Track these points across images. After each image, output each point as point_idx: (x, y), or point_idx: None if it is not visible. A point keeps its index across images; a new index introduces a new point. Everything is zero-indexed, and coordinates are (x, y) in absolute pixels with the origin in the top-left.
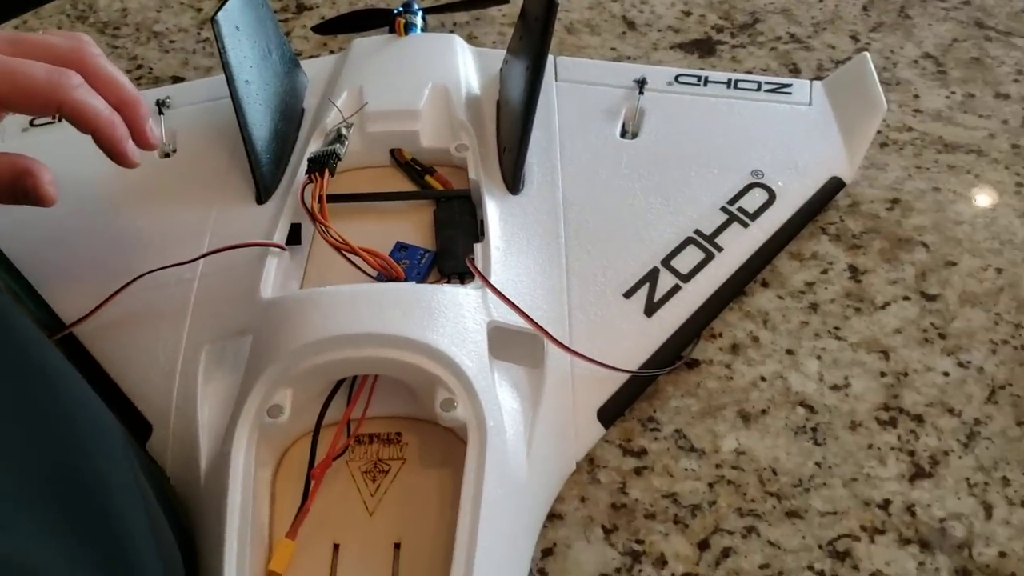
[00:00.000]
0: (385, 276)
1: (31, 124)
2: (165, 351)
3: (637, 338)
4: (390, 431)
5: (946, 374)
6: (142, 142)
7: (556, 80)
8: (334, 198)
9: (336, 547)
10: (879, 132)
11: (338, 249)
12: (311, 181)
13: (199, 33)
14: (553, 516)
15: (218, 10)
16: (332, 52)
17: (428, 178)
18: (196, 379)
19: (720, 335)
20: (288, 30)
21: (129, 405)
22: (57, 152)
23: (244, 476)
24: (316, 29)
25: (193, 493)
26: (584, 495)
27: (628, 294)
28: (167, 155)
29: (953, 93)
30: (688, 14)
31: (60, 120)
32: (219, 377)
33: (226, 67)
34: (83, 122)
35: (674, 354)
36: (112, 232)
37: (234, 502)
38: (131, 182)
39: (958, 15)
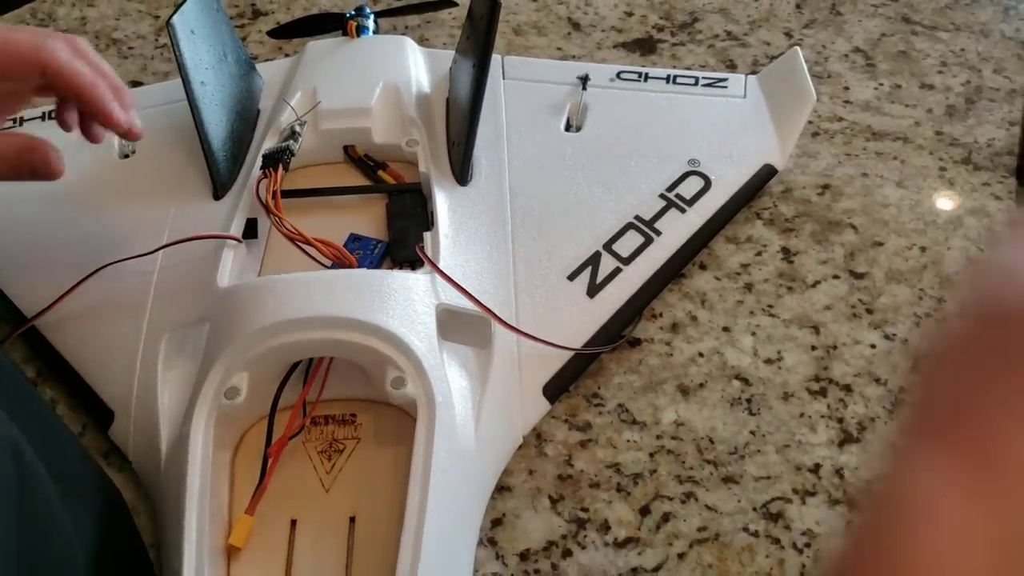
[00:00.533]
0: (339, 265)
1: None
2: (126, 341)
3: (581, 318)
4: (345, 412)
5: (873, 346)
6: (126, 117)
7: (504, 78)
8: (290, 193)
9: (294, 522)
10: (811, 122)
11: (292, 240)
12: (265, 176)
13: (157, 39)
14: (502, 488)
15: (173, 14)
16: (287, 56)
17: (381, 173)
18: (156, 367)
19: (660, 315)
20: (244, 35)
21: (91, 394)
22: None
23: (203, 457)
24: (272, 33)
25: (155, 477)
26: (532, 468)
27: (572, 276)
28: (126, 156)
29: (881, 85)
30: (630, 15)
31: (21, 124)
32: (179, 364)
33: (182, 69)
34: (66, 83)
35: (616, 333)
36: (73, 229)
37: (193, 482)
38: (91, 181)
39: (886, 11)
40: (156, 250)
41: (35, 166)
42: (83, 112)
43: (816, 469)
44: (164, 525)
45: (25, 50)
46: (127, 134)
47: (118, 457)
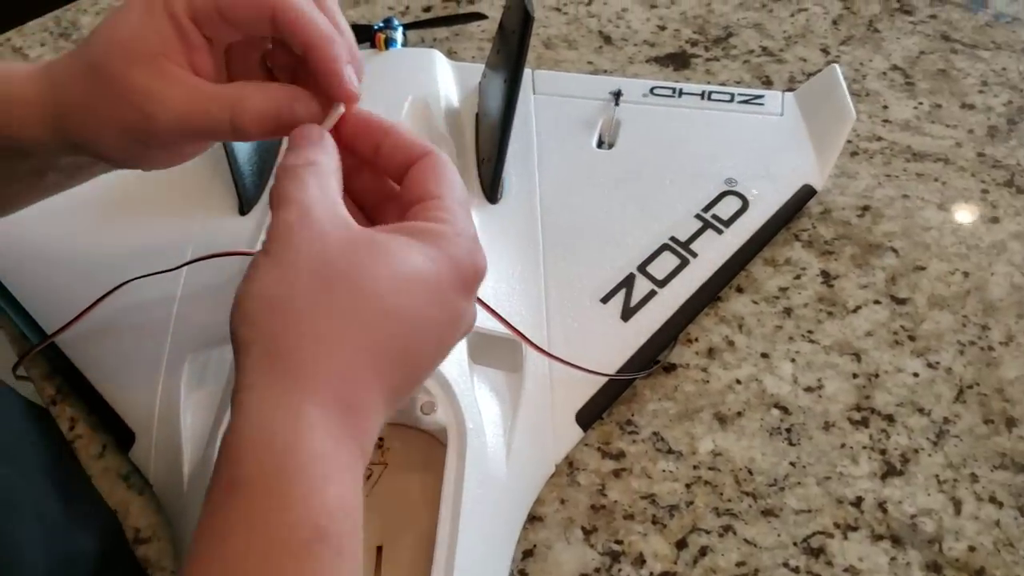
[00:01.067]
0: None
1: None
2: (148, 360)
3: (614, 342)
4: None
5: (916, 375)
6: (355, 87)
7: (534, 93)
8: None
9: None
10: (849, 141)
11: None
12: None
13: None
14: (533, 518)
15: None
16: None
17: None
18: (179, 388)
19: (696, 339)
20: None
21: (112, 414)
22: None
23: None
24: None
25: (177, 501)
26: (564, 497)
27: (605, 299)
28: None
29: (921, 104)
30: (663, 28)
31: None
32: (202, 386)
33: None
34: (298, 31)
35: (651, 358)
36: (94, 243)
37: None
38: (113, 194)
39: (925, 28)
40: (180, 267)
41: (299, 120)
42: (306, 72)
43: (858, 502)
44: (186, 552)
45: None
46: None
47: (138, 479)
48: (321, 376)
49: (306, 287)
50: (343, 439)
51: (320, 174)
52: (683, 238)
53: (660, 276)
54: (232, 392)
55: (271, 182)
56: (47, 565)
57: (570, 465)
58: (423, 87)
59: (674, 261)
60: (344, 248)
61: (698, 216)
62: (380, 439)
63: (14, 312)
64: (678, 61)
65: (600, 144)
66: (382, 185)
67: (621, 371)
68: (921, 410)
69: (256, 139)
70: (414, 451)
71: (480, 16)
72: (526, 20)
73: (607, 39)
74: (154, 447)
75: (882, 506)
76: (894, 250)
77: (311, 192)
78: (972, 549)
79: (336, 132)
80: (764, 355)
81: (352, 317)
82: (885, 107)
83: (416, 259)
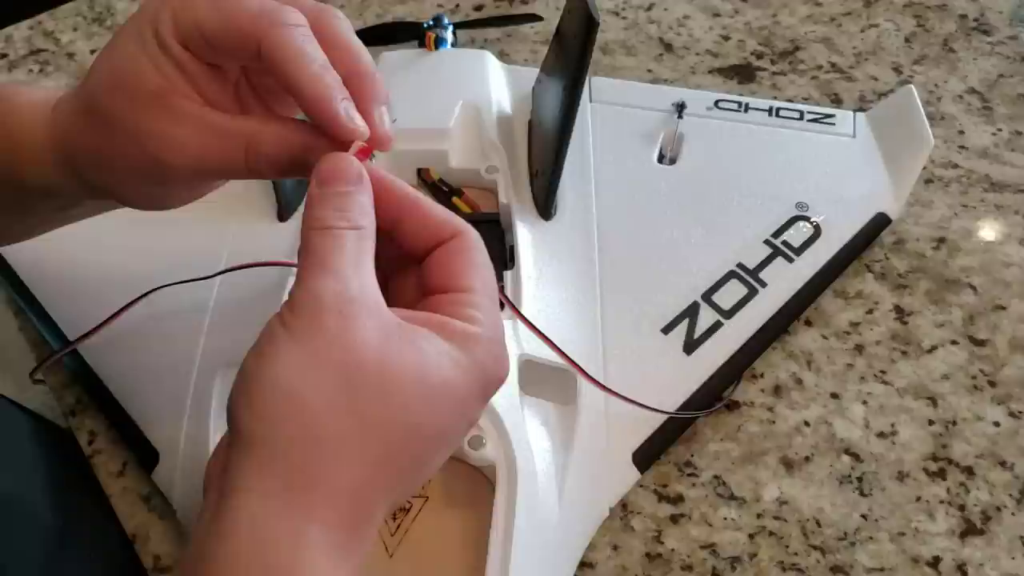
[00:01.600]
0: None
1: None
2: (176, 374)
3: (676, 377)
4: None
5: (997, 424)
6: (367, 122)
7: (591, 101)
8: None
9: None
10: (924, 168)
11: None
12: None
13: None
14: (584, 565)
15: None
16: None
17: (455, 200)
18: (209, 405)
19: (762, 375)
20: None
21: (134, 430)
22: None
23: None
24: None
25: None
26: (617, 543)
27: (666, 329)
28: None
29: (1000, 130)
30: (727, 39)
31: None
32: None
33: None
34: (284, 67)
35: (714, 395)
36: (123, 246)
37: None
38: None
39: (1004, 50)
40: (214, 275)
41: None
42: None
43: (935, 563)
44: None
45: (245, 19)
46: (374, 142)
47: (160, 501)
48: (332, 494)
49: (332, 387)
50: (342, 560)
51: (363, 238)
52: (751, 265)
53: (726, 306)
54: (222, 485)
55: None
56: None
57: (624, 508)
58: (474, 91)
59: (741, 290)
60: (378, 345)
61: (767, 242)
62: None
63: (36, 315)
64: (743, 74)
65: (661, 159)
66: (397, 252)
67: (682, 408)
68: (1003, 463)
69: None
70: (457, 484)
71: (535, 17)
72: (590, 25)
73: (668, 47)
74: (179, 469)
75: (961, 568)
76: (972, 287)
77: (350, 262)
78: None
79: None
80: (834, 395)
81: (375, 429)
82: (961, 132)
83: (447, 369)
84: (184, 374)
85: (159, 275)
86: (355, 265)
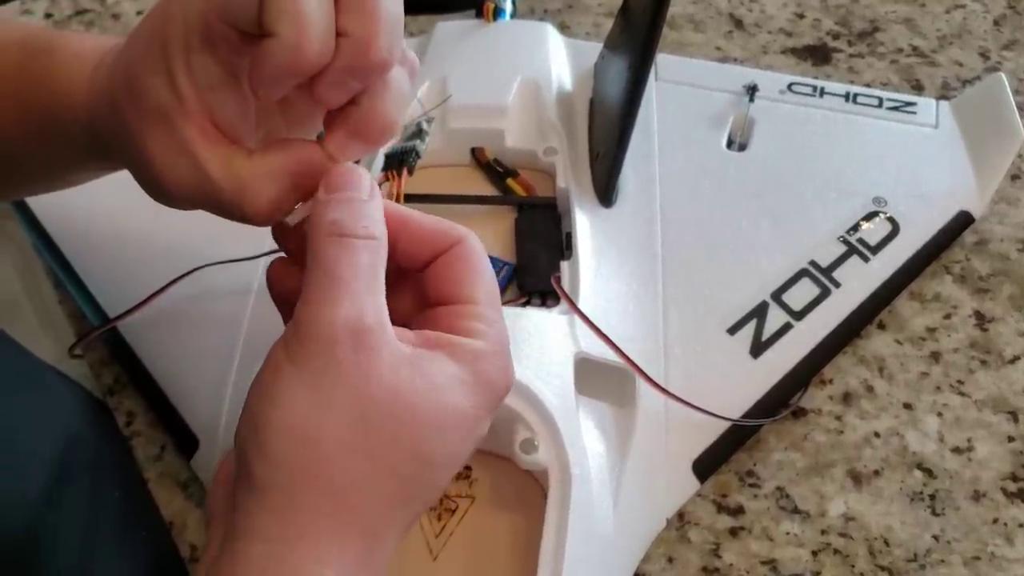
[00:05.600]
0: None
1: None
2: (217, 358)
3: (742, 381)
4: None
5: None
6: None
7: (656, 79)
8: (408, 198)
9: None
10: (1011, 163)
11: None
12: (387, 179)
13: None
14: None
15: None
16: (411, 34)
17: (510, 181)
18: None
19: (831, 381)
20: None
21: (174, 414)
22: None
23: None
24: None
25: None
26: (672, 555)
27: (733, 330)
28: None
29: None
30: (802, 16)
31: None
32: None
33: None
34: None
35: (780, 401)
36: (167, 222)
37: None
38: None
39: None
40: (259, 256)
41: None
42: None
43: None
44: None
45: None
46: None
47: (198, 488)
48: (345, 536)
49: (346, 428)
50: None
51: (378, 251)
52: (824, 264)
53: (797, 307)
54: (229, 524)
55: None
56: None
57: (680, 518)
58: (534, 66)
59: (813, 290)
60: (392, 380)
61: (842, 239)
62: (467, 468)
63: (75, 289)
64: (818, 55)
65: (730, 144)
66: (394, 266)
67: (747, 415)
68: None
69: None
70: (505, 485)
71: None
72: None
73: (738, 23)
74: (220, 457)
75: None
76: None
77: (365, 282)
78: None
79: None
80: (907, 405)
81: (389, 468)
82: None
83: (458, 396)
84: (226, 358)
85: (203, 254)
86: (369, 285)
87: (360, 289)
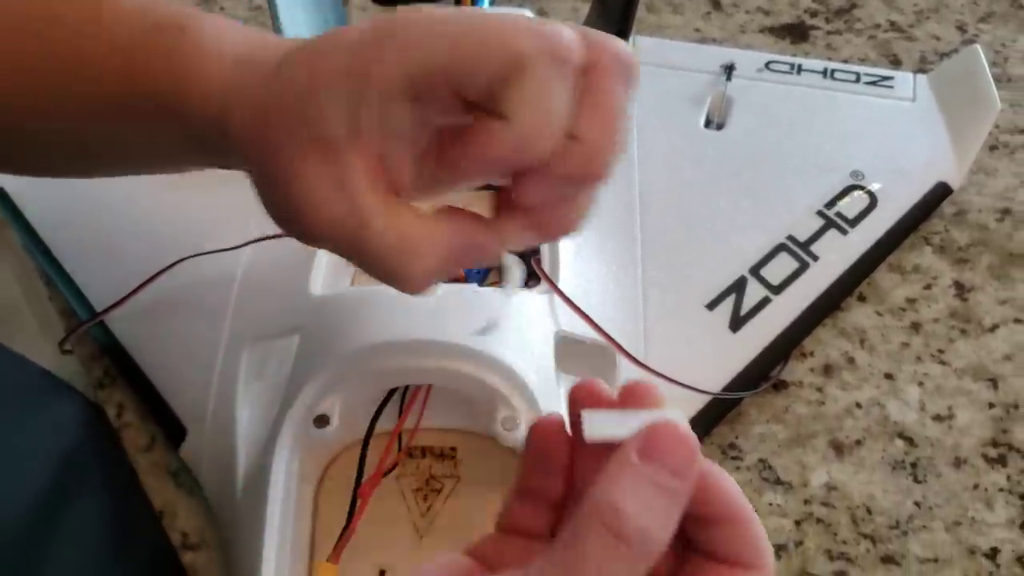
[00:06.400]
0: None
1: None
2: (203, 347)
3: (721, 355)
4: (444, 445)
5: None
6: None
7: None
8: None
9: (382, 573)
10: (988, 134)
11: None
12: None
13: (250, 1)
14: None
15: None
16: None
17: None
18: (236, 381)
19: (811, 354)
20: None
21: (163, 405)
22: None
23: (285, 490)
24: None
25: (228, 507)
26: None
27: (711, 305)
28: None
29: None
30: None
31: None
32: (262, 379)
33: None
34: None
35: (761, 374)
36: (151, 215)
37: (273, 519)
38: None
39: None
40: (243, 245)
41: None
42: None
43: (993, 555)
44: (236, 562)
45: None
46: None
47: (188, 477)
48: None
49: None
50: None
51: (647, 559)
52: (802, 238)
53: (775, 281)
54: None
55: None
56: None
57: None
58: None
59: (791, 264)
60: None
61: (820, 213)
62: (452, 448)
63: (63, 284)
64: (796, 33)
65: (708, 124)
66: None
67: (727, 388)
68: None
69: None
70: (490, 464)
71: None
72: None
73: (716, 4)
74: (207, 446)
75: (1021, 560)
76: None
77: None
78: None
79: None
80: (888, 376)
81: None
82: None
83: None
84: (212, 346)
85: (188, 245)
86: None
87: None
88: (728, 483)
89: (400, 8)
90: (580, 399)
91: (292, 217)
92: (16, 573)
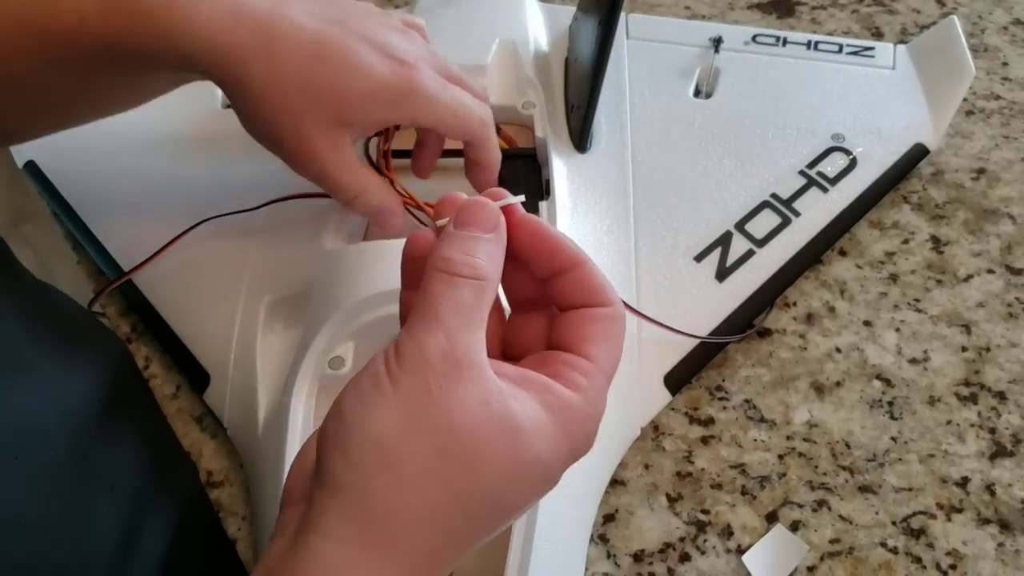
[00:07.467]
0: None
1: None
2: (225, 300)
3: (707, 303)
4: None
5: None
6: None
7: (627, 38)
8: (398, 154)
9: None
10: (965, 100)
11: (403, 203)
12: (377, 135)
13: None
14: (616, 482)
15: None
16: (397, 7)
17: None
18: (256, 330)
19: (795, 304)
20: None
21: (187, 353)
22: None
23: (303, 429)
24: None
25: (250, 446)
26: (648, 462)
27: (699, 258)
28: (228, 106)
29: None
30: None
31: None
32: (278, 330)
33: None
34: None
35: (746, 322)
36: (174, 179)
37: (293, 453)
38: (195, 131)
39: None
40: (260, 206)
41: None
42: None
43: (964, 483)
44: (258, 498)
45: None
46: None
47: (212, 421)
48: (409, 555)
49: (427, 453)
50: None
51: (484, 291)
52: (785, 196)
53: (759, 235)
54: (304, 518)
55: None
56: (120, 530)
57: (655, 429)
58: (511, 30)
59: (775, 220)
60: (475, 418)
61: (802, 173)
62: None
63: (92, 248)
64: (782, 8)
65: (697, 93)
66: (538, 290)
67: (714, 334)
68: None
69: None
70: None
71: None
72: None
73: None
74: (229, 390)
75: (990, 488)
76: (1011, 216)
77: (462, 319)
78: None
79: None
80: (867, 323)
81: (460, 502)
82: (1005, 64)
83: (537, 441)
84: (232, 301)
85: (209, 206)
86: (467, 323)
87: (456, 325)
88: (560, 238)
89: None
90: (440, 213)
91: (291, 164)
92: (85, 465)
